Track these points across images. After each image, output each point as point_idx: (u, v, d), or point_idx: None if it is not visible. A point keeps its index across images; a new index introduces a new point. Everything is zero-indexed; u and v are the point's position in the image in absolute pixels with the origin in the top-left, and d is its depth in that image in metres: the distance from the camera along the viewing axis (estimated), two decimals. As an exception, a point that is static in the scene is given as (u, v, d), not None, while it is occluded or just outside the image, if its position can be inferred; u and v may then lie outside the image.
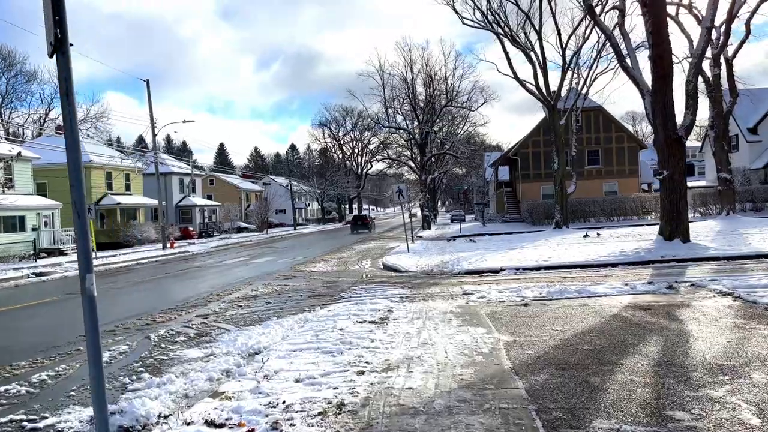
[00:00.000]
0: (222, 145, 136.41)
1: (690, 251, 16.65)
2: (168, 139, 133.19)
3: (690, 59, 20.17)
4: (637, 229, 29.21)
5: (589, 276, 14.44)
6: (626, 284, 11.99)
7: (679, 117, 17.87)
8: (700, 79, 27.31)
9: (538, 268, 16.56)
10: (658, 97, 17.22)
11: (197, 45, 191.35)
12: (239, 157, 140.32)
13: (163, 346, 8.39)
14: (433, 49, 63.27)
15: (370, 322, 8.84)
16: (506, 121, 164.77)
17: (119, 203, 43.68)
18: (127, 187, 47.50)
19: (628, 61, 18.33)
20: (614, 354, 6.48)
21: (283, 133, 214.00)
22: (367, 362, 6.46)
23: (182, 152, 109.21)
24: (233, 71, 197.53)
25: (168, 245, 37.06)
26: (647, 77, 18.44)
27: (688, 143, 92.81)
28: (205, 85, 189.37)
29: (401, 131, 49.72)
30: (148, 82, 36.14)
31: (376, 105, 55.19)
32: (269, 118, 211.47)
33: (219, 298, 13.19)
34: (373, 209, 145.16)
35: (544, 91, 32.70)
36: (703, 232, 23.27)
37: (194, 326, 9.83)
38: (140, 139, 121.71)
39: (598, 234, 25.93)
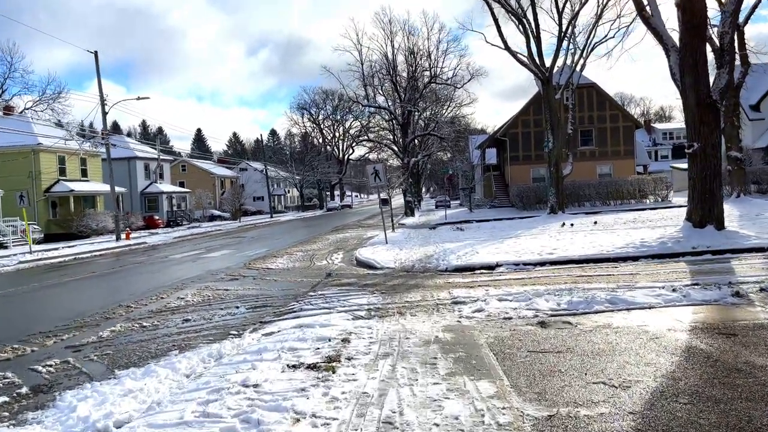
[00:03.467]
0: (199, 131, 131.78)
1: (728, 241, 13.59)
2: (144, 125, 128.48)
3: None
4: (643, 214, 26.23)
5: (611, 274, 11.33)
6: (674, 289, 8.84)
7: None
8: (708, 47, 24.21)
9: (542, 263, 13.42)
10: (687, 53, 14.06)
11: (186, 33, 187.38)
12: (218, 144, 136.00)
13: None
14: (415, 21, 59.79)
15: (308, 366, 5.57)
16: (492, 106, 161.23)
17: (72, 190, 39.78)
18: (83, 173, 43.54)
19: (648, 9, 15.12)
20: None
21: (270, 120, 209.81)
22: (267, 492, 3.19)
23: (157, 138, 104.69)
24: (221, 59, 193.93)
25: (123, 236, 33.41)
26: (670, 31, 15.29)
27: (676, 123, 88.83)
28: (192, 73, 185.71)
29: (382, 110, 46.28)
30: (96, 53, 32.25)
31: (354, 82, 51.44)
32: (257, 105, 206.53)
33: (126, 312, 9.83)
34: (356, 196, 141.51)
35: (537, 61, 29.42)
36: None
37: (44, 370, 6.46)
38: (114, 125, 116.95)
39: (595, 222, 22.67)
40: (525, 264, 13.37)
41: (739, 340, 6.00)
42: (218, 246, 25.49)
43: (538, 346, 6.23)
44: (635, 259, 13.22)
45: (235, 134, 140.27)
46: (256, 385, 5.02)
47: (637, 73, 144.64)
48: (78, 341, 7.79)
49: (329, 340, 6.60)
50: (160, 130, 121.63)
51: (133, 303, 10.62)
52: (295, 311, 9.29)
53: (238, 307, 9.89)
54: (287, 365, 5.62)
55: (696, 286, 9.25)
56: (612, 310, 7.97)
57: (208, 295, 11.33)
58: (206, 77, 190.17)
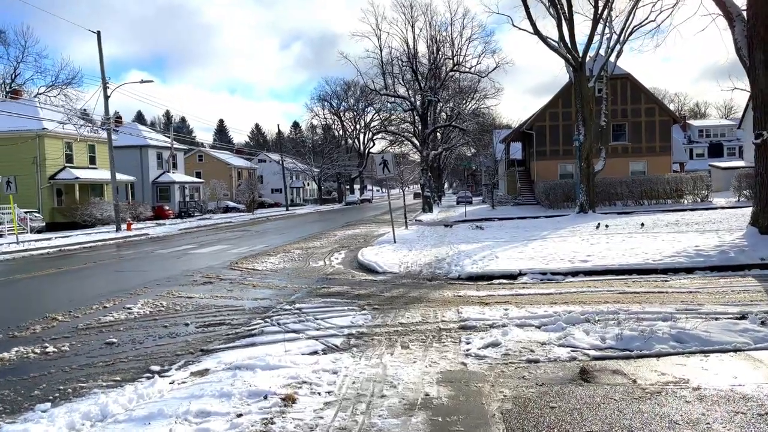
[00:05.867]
0: (221, 122, 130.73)
1: (806, 252, 11.08)
2: (167, 115, 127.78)
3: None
4: (685, 216, 23.55)
5: (664, 291, 8.98)
6: (763, 322, 6.47)
7: None
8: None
9: (574, 273, 11.12)
10: (759, 22, 11.53)
11: (222, 26, 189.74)
12: (241, 135, 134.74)
13: None
14: (438, 5, 57.12)
15: (203, 459, 3.39)
16: (519, 102, 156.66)
17: (78, 177, 38.33)
18: (92, 160, 42.11)
19: (710, -29, 12.63)
20: None
21: (298, 114, 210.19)
22: None
23: (180, 129, 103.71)
24: (255, 53, 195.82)
25: (124, 227, 31.75)
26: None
27: (713, 120, 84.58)
28: (226, 66, 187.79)
29: (400, 100, 43.95)
30: (99, 33, 30.55)
31: (373, 70, 48.95)
32: (287, 98, 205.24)
33: (43, 329, 7.79)
34: (378, 190, 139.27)
35: (569, 45, 26.81)
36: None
37: None
38: (139, 115, 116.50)
39: (642, 224, 19.90)
40: (554, 273, 11.08)
41: None
42: (215, 240, 23.56)
43: (581, 422, 3.98)
44: (689, 270, 10.85)
45: (257, 125, 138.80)
46: None
47: (671, 69, 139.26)
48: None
49: (265, 398, 4.43)
50: (183, 120, 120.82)
51: (63, 314, 8.57)
52: (253, 334, 7.16)
53: (187, 325, 7.80)
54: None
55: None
56: (681, 353, 5.68)
57: (163, 304, 9.25)
58: (239, 70, 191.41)
